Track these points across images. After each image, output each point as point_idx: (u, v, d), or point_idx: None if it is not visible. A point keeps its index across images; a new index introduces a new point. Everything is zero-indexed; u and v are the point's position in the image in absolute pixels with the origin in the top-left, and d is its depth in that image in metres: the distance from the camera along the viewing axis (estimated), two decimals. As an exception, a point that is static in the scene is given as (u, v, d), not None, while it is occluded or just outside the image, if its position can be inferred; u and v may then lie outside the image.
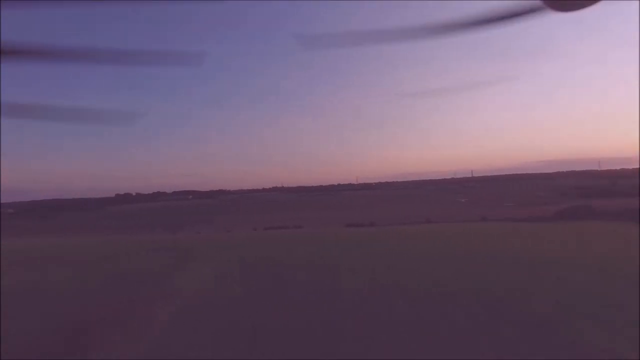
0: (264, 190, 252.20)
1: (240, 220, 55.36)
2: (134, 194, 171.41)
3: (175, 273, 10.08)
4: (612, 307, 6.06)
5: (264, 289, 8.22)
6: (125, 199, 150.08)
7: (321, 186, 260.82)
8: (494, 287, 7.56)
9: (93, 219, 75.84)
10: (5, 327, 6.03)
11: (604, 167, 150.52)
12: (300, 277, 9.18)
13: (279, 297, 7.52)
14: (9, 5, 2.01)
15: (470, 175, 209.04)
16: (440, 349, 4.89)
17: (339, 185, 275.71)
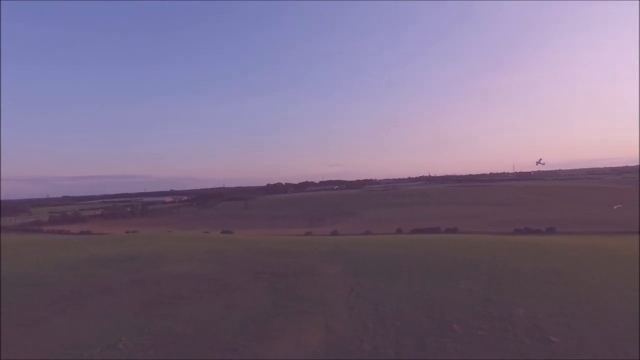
0: (410, 179, 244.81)
1: (384, 216, 51.71)
2: (283, 183, 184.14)
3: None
4: None
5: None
6: (275, 188, 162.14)
7: (471, 175, 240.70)
8: None
9: (242, 208, 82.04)
10: None
11: None
12: None
13: None
14: None
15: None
16: None
17: (491, 174, 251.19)
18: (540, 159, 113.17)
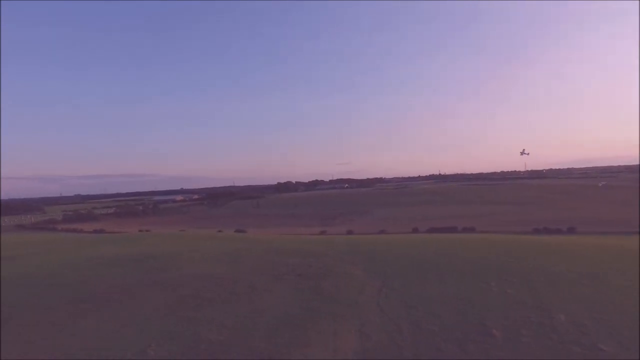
0: (420, 178, 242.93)
1: (396, 215, 51.24)
2: (294, 182, 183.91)
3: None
4: None
5: None
6: (285, 187, 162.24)
7: (481, 174, 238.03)
8: None
9: (253, 207, 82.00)
10: None
11: None
12: None
13: None
14: None
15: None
16: None
17: (502, 172, 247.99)
18: (524, 149, 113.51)
